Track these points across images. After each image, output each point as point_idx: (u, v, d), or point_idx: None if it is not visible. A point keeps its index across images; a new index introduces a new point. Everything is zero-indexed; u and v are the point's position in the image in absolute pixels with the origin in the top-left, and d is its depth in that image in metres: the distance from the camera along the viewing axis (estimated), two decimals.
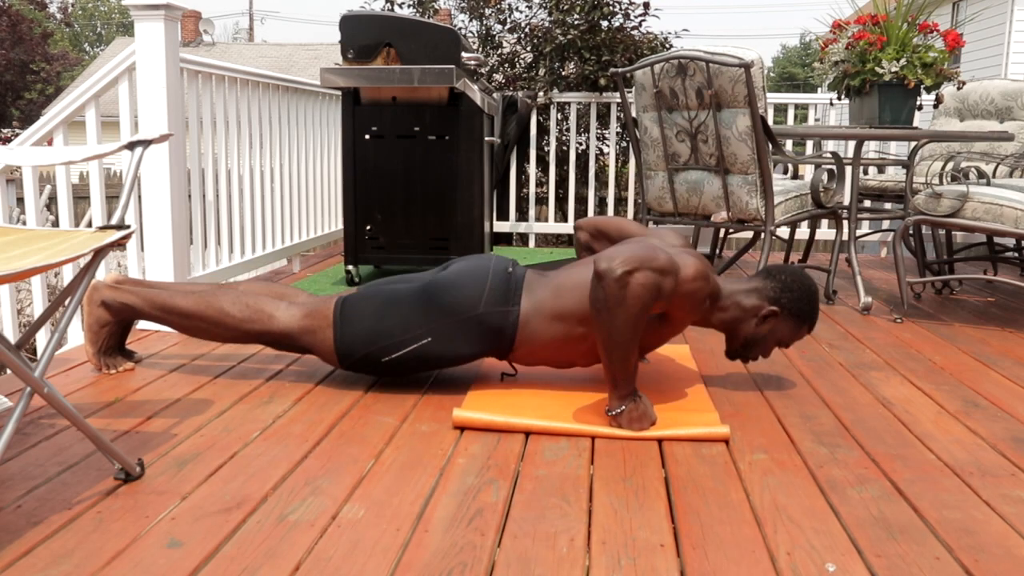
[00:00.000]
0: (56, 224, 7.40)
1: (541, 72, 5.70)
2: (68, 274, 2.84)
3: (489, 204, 4.26)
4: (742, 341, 2.14)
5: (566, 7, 5.48)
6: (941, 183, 3.10)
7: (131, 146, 1.75)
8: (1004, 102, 4.02)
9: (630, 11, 5.64)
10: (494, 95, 4.36)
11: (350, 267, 3.56)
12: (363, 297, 2.11)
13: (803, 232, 5.00)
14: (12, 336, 2.55)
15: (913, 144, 3.89)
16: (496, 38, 6.16)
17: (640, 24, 5.68)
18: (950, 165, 3.20)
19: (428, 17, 6.14)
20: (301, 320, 2.13)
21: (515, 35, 6.06)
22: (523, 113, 5.18)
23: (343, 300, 2.12)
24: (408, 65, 3.39)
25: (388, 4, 6.06)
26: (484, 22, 6.15)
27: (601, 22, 5.46)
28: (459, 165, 3.47)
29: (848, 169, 4.01)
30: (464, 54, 3.48)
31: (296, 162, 4.06)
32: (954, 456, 1.78)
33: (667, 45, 5.76)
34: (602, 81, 5.23)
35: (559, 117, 5.33)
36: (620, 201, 5.99)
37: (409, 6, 6.10)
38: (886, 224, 5.08)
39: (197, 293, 2.19)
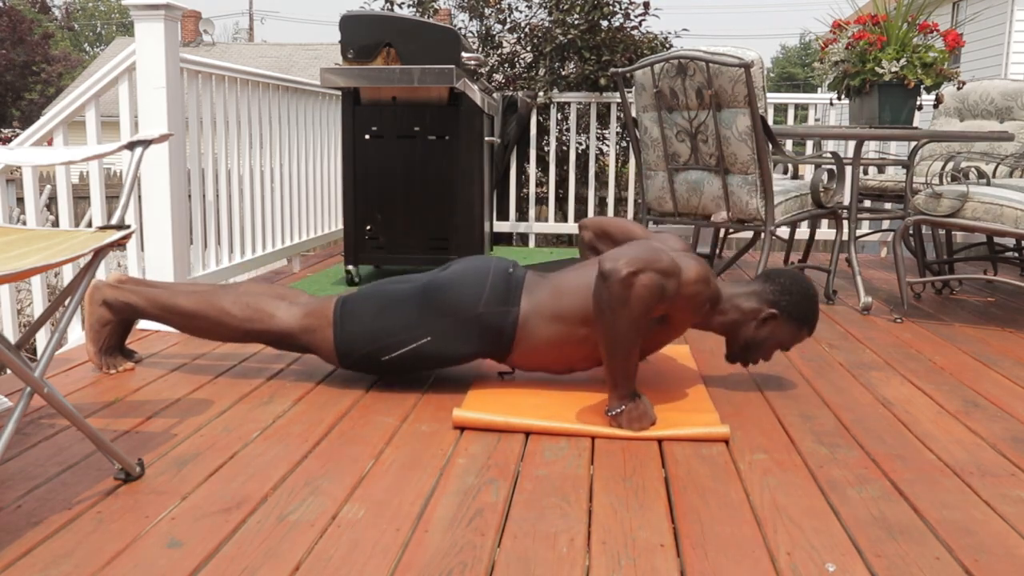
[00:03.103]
0: (56, 224, 7.40)
1: (541, 72, 5.69)
2: (68, 274, 2.84)
3: (489, 204, 4.26)
4: (742, 344, 2.14)
5: (566, 7, 5.48)
6: (941, 183, 3.10)
7: (131, 146, 1.75)
8: (1004, 102, 4.02)
9: (630, 11, 5.64)
10: (494, 95, 4.36)
11: (350, 267, 3.56)
12: (363, 296, 2.11)
13: (803, 232, 5.00)
14: (12, 336, 2.55)
15: (913, 144, 3.89)
16: (496, 38, 6.16)
17: (640, 24, 5.68)
18: (950, 165, 3.20)
19: (428, 17, 6.14)
20: (301, 319, 2.13)
21: (515, 35, 6.06)
22: (523, 113, 5.17)
23: (343, 299, 2.12)
24: (408, 65, 3.39)
25: (388, 4, 6.06)
26: (484, 22, 6.15)
27: (601, 22, 5.46)
28: (459, 165, 3.47)
29: (848, 169, 4.00)
30: (464, 54, 3.48)
31: (296, 162, 4.06)
32: (954, 456, 1.78)
33: (667, 45, 5.76)
34: (602, 81, 5.23)
35: (559, 117, 5.32)
36: (620, 201, 5.99)
37: (409, 6, 6.10)
38: (886, 224, 5.08)
39: (198, 293, 2.20)
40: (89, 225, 4.68)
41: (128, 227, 1.61)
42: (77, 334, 2.72)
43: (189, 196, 2.97)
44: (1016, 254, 3.97)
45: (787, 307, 2.11)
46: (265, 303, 2.16)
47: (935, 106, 4.18)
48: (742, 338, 2.13)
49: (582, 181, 5.77)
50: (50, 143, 2.70)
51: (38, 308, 2.64)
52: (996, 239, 4.07)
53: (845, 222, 3.96)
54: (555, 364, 2.11)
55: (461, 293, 2.05)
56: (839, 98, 3.69)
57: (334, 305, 2.12)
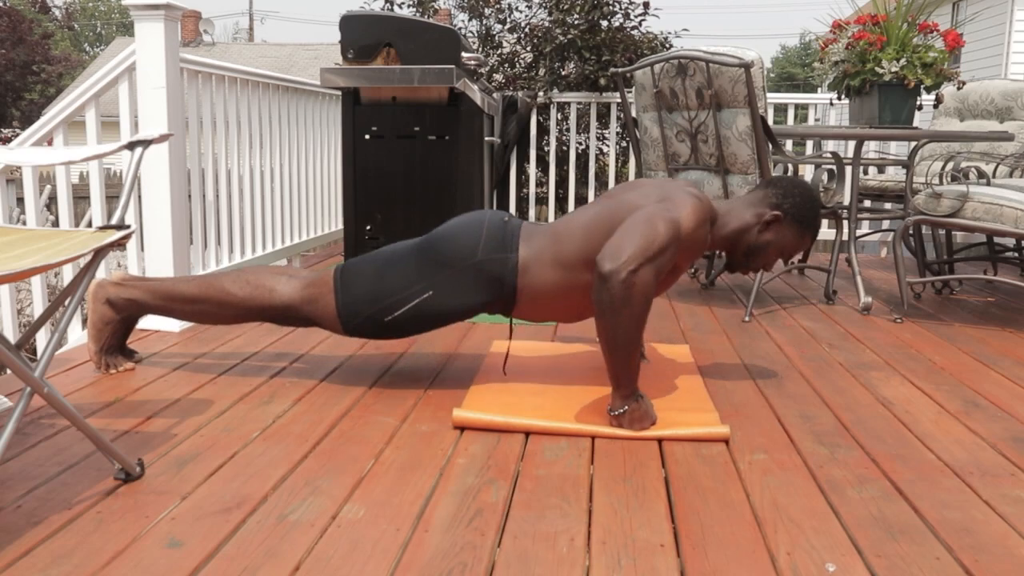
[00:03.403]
0: (56, 224, 7.40)
1: (541, 72, 5.69)
2: (68, 274, 2.84)
3: (489, 204, 4.26)
4: (744, 250, 2.11)
5: (566, 7, 5.48)
6: (941, 183, 3.10)
7: (131, 146, 1.75)
8: (1004, 102, 4.02)
9: (630, 11, 5.64)
10: (494, 95, 4.36)
11: None
12: (362, 260, 2.12)
13: None
14: (12, 336, 2.55)
15: (913, 144, 3.89)
16: (496, 38, 6.16)
17: (640, 24, 5.68)
18: (950, 165, 3.20)
19: (428, 17, 6.14)
20: (302, 290, 2.13)
21: (515, 35, 6.06)
22: (523, 113, 5.18)
23: (342, 266, 2.14)
24: (408, 65, 3.39)
25: (388, 4, 6.06)
26: (484, 22, 6.15)
27: (601, 22, 5.46)
28: (459, 165, 3.47)
29: (848, 169, 4.00)
30: (464, 54, 3.48)
31: (296, 162, 4.06)
32: (954, 456, 1.78)
33: (667, 45, 5.76)
34: (602, 81, 5.23)
35: (559, 117, 5.32)
36: None
37: (409, 6, 6.10)
38: (886, 224, 5.08)
39: (199, 278, 2.21)
40: (89, 225, 4.67)
41: (128, 227, 1.61)
42: (77, 334, 2.72)
43: (189, 196, 2.97)
44: (1016, 254, 3.97)
45: (791, 209, 2.09)
46: (265, 279, 2.17)
47: (935, 106, 4.18)
48: (744, 244, 2.10)
49: (582, 181, 5.77)
50: (50, 143, 2.70)
51: (38, 308, 2.64)
52: (996, 239, 4.07)
53: (845, 222, 3.96)
54: (563, 313, 2.10)
55: (457, 243, 2.05)
56: (839, 98, 3.69)
57: (334, 272, 2.13)
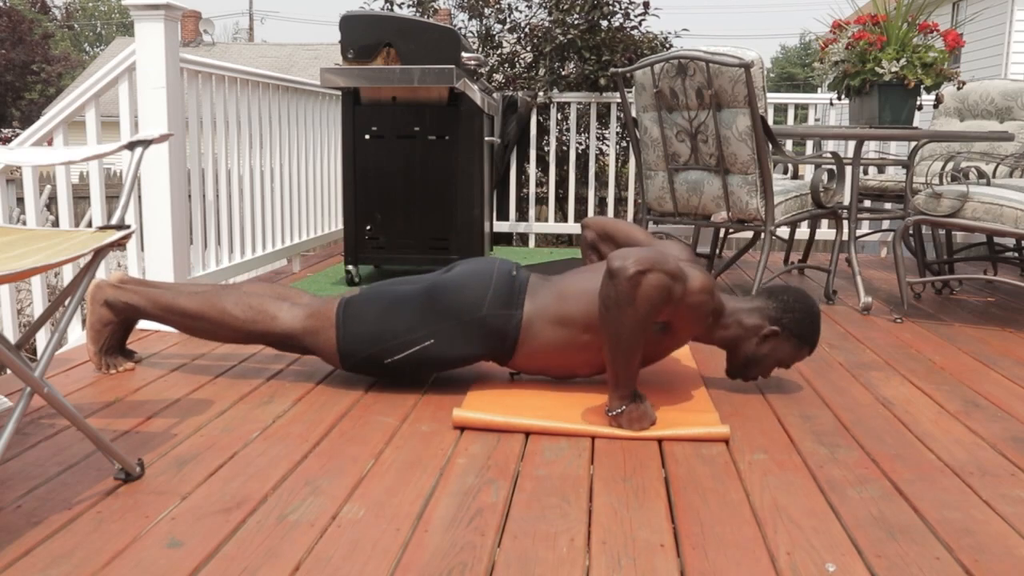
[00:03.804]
0: (56, 224, 7.40)
1: (541, 72, 5.69)
2: (68, 274, 2.84)
3: (489, 204, 4.26)
4: (743, 360, 2.15)
5: (566, 7, 5.48)
6: (941, 183, 3.10)
7: (131, 146, 1.75)
8: (1004, 102, 4.02)
9: (630, 11, 5.65)
10: (494, 95, 4.36)
11: (350, 267, 3.56)
12: (366, 298, 2.11)
13: (803, 232, 5.00)
14: (12, 336, 2.55)
15: (913, 144, 3.89)
16: (496, 38, 6.16)
17: (640, 24, 5.69)
18: (950, 165, 3.20)
19: (428, 17, 6.14)
20: (304, 321, 2.13)
21: (515, 35, 6.06)
22: (523, 113, 5.18)
23: (346, 301, 2.12)
24: (408, 65, 3.39)
25: (388, 4, 6.06)
26: (484, 22, 6.15)
27: (601, 22, 5.46)
28: (459, 165, 3.47)
29: (848, 169, 4.00)
30: (464, 54, 3.48)
31: (296, 162, 4.06)
32: (954, 456, 1.78)
33: (667, 45, 5.76)
34: (602, 81, 5.23)
35: (559, 117, 5.32)
36: (620, 201, 5.99)
37: (409, 6, 6.10)
38: (886, 224, 5.08)
39: (200, 293, 2.19)
40: (89, 225, 4.67)
41: (128, 227, 1.61)
42: (77, 334, 2.72)
43: (189, 196, 2.97)
44: (1016, 254, 3.97)
45: (789, 325, 2.12)
46: (267, 304, 2.16)
47: (935, 106, 4.18)
48: (743, 353, 2.14)
49: (582, 181, 5.77)
50: (50, 143, 2.70)
51: (38, 308, 2.64)
52: (996, 239, 4.07)
53: (845, 222, 3.96)
54: (557, 368, 2.11)
55: (465, 295, 2.05)
56: (839, 98, 3.69)
57: (337, 307, 2.12)
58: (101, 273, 2.74)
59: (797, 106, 5.13)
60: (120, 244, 1.57)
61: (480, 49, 6.13)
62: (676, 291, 1.83)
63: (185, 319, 2.18)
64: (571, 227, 5.14)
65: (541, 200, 6.16)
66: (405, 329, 2.06)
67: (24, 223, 4.99)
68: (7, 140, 21.54)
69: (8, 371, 2.29)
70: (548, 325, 2.04)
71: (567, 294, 2.05)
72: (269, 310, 2.15)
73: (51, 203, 7.84)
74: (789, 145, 5.29)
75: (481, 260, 2.15)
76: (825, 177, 3.28)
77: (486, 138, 3.80)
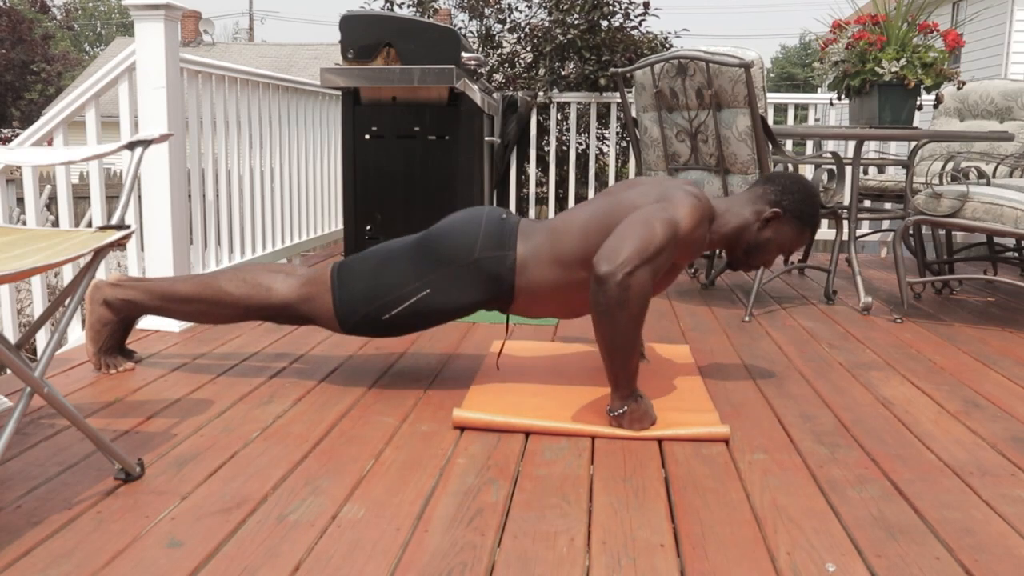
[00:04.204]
0: (56, 224, 7.40)
1: (541, 72, 5.69)
2: (68, 274, 2.84)
3: (489, 203, 4.26)
4: (744, 248, 2.11)
5: (566, 7, 5.48)
6: (941, 183, 3.10)
7: (131, 146, 1.75)
8: (1004, 102, 4.02)
9: (630, 11, 5.65)
10: (494, 95, 4.36)
11: None
12: (359, 258, 2.11)
13: None
14: (12, 336, 2.55)
15: (913, 144, 3.89)
16: (496, 38, 6.16)
17: (640, 24, 5.69)
18: (950, 165, 3.20)
19: (428, 17, 6.14)
20: (299, 289, 2.13)
21: (515, 35, 6.06)
22: (523, 113, 5.18)
23: (339, 264, 2.13)
24: (408, 65, 3.39)
25: (388, 4, 6.06)
26: (484, 22, 6.15)
27: (601, 22, 5.46)
28: (459, 165, 3.47)
29: (848, 169, 4.00)
30: (464, 54, 3.48)
31: (296, 162, 4.06)
32: (954, 456, 1.78)
33: (667, 45, 5.76)
34: (602, 81, 5.23)
35: (559, 117, 5.32)
36: None
37: (409, 6, 6.10)
38: (886, 224, 5.08)
39: (195, 277, 2.21)
40: (89, 225, 4.67)
41: (128, 227, 1.61)
42: (77, 334, 2.72)
43: (189, 196, 2.97)
44: (1016, 254, 3.97)
45: (790, 206, 2.09)
46: (262, 277, 2.16)
47: (935, 106, 4.18)
48: (744, 242, 2.10)
49: (582, 181, 5.77)
50: (50, 143, 2.70)
51: (38, 308, 2.64)
52: (996, 239, 4.07)
53: (845, 222, 3.96)
54: (560, 310, 2.09)
55: (455, 241, 2.04)
56: (839, 98, 3.69)
57: (330, 270, 2.12)
58: (101, 273, 2.74)
59: (797, 106, 5.13)
60: (120, 244, 1.57)
61: (480, 49, 6.13)
62: (666, 257, 1.81)
63: (183, 304, 2.18)
64: None
65: (541, 200, 6.16)
66: (399, 282, 2.05)
67: (24, 223, 4.99)
68: (7, 140, 21.54)
69: (8, 371, 2.29)
70: (544, 265, 2.02)
71: (559, 232, 2.03)
72: (264, 283, 2.15)
73: (51, 203, 7.84)
74: (789, 145, 5.29)
75: (470, 208, 2.14)
76: (825, 177, 3.28)
77: (486, 138, 3.80)
